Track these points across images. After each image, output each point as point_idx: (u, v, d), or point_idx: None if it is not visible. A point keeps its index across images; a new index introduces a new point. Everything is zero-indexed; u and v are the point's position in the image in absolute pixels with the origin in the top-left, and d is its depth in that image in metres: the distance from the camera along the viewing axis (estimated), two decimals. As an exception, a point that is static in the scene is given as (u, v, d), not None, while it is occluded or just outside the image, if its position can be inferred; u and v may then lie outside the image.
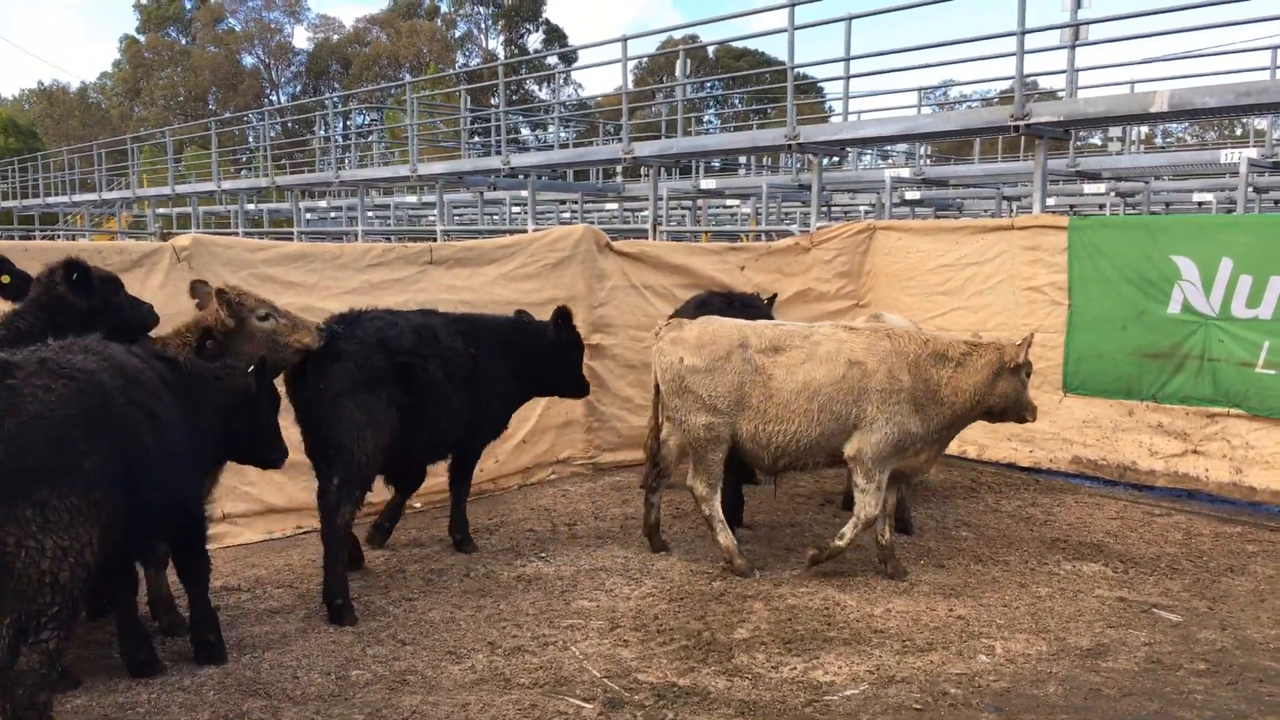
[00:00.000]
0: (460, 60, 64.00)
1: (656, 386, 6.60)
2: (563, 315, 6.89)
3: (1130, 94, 11.70)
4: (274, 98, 66.27)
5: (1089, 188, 18.28)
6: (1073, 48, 10.37)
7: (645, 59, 47.91)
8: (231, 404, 4.85)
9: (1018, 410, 6.44)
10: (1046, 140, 10.44)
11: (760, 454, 6.30)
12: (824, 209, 15.73)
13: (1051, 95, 18.58)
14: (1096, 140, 26.20)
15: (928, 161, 21.36)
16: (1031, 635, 5.45)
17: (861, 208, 22.88)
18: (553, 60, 55.08)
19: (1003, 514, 7.89)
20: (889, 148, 23.85)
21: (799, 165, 18.82)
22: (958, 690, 4.76)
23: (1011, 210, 19.21)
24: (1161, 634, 5.50)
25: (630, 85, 15.96)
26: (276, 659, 5.01)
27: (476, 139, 26.10)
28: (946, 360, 6.25)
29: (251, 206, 29.61)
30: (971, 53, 15.18)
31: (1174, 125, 38.30)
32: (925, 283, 9.99)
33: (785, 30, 12.17)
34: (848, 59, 12.34)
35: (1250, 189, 14.85)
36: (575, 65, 49.33)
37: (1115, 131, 20.63)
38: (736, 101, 41.11)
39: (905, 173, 17.85)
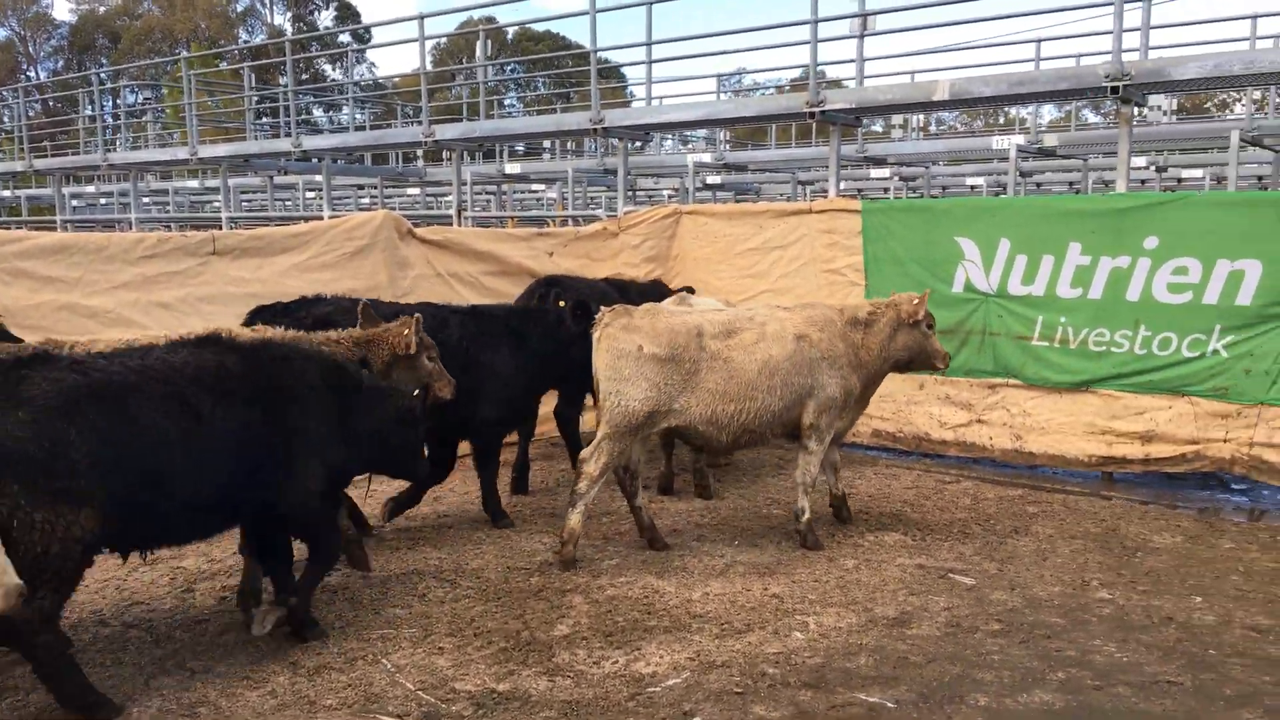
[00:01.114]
0: (244, 37, 60.27)
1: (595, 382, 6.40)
2: (581, 307, 7.14)
3: (915, 83, 12.32)
4: (31, 74, 60.32)
5: (875, 173, 19.25)
6: (861, 37, 10.79)
7: (444, 39, 46.79)
8: (392, 419, 5.32)
9: (925, 359, 6.96)
10: (840, 126, 10.83)
11: (717, 435, 6.40)
12: (630, 193, 15.78)
13: (838, 84, 19.40)
14: (878, 128, 27.63)
15: (727, 147, 21.87)
16: (842, 608, 5.61)
17: (665, 192, 23.19)
18: (345, 38, 52.74)
19: (810, 490, 8.12)
20: (691, 133, 24.26)
21: (604, 150, 18.82)
22: (776, 670, 4.82)
23: (806, 194, 19.94)
24: (958, 598, 5.79)
25: (429, 66, 15.44)
26: (45, 699, 4.45)
27: (265, 120, 24.63)
28: (858, 323, 6.74)
29: (7, 193, 26.93)
30: (768, 40, 15.62)
31: (947, 114, 41.08)
32: (735, 266, 10.16)
33: (587, 13, 12.07)
34: (649, 43, 12.37)
35: (1018, 173, 16.02)
36: (370, 44, 47.37)
37: (897, 119, 21.79)
38: (539, 85, 40.82)
39: (707, 158, 18.19)
